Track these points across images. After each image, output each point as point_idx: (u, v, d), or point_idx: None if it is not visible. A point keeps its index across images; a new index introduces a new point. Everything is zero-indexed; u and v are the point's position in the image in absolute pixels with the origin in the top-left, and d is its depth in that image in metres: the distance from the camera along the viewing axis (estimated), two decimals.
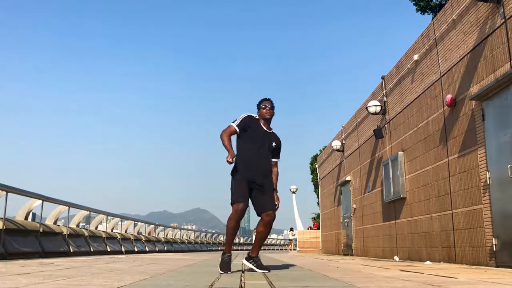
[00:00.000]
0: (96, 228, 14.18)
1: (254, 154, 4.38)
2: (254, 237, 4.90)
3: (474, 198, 6.29)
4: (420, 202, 8.23)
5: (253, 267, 4.38)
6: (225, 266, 4.20)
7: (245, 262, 4.48)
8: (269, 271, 4.32)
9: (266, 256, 11.57)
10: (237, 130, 4.37)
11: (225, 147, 4.24)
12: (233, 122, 4.41)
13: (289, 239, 30.75)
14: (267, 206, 4.38)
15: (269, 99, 4.58)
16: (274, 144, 4.53)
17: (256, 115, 4.54)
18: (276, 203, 4.46)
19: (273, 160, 4.58)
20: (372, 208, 11.22)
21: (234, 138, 4.44)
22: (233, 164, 4.27)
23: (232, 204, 4.24)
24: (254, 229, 4.79)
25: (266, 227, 4.39)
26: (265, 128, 4.52)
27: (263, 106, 4.51)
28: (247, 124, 4.41)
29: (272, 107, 4.54)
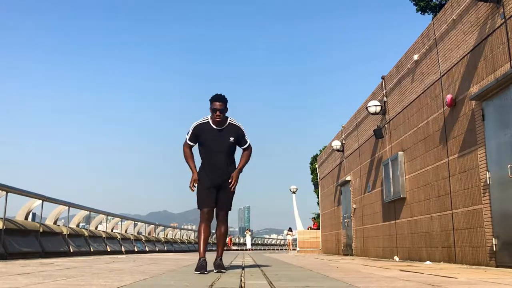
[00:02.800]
0: (96, 228, 14.17)
1: (210, 160, 4.50)
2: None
3: (474, 198, 6.29)
4: (420, 202, 8.23)
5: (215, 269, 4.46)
6: (200, 268, 4.20)
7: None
8: (222, 271, 4.32)
9: (266, 256, 11.57)
10: (191, 143, 4.57)
11: (189, 167, 4.55)
12: (187, 134, 4.56)
13: (288, 240, 30.66)
14: (222, 204, 4.53)
15: (219, 99, 4.43)
16: (231, 138, 4.50)
17: (205, 118, 4.54)
18: (231, 185, 4.50)
19: (243, 148, 4.65)
20: (372, 208, 11.22)
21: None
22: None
23: (199, 208, 4.48)
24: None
25: (219, 225, 4.59)
26: (216, 127, 4.48)
27: (213, 110, 4.41)
28: (198, 132, 4.51)
29: (222, 110, 4.41)
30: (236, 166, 4.63)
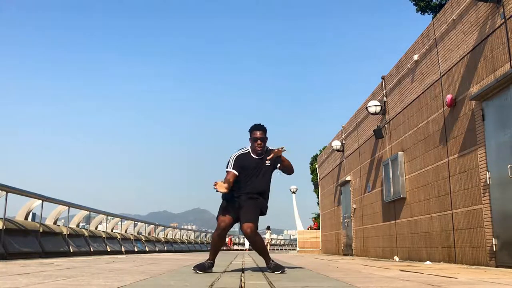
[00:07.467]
0: (96, 228, 14.17)
1: (246, 186, 4.37)
2: None
3: (474, 198, 6.29)
4: (420, 202, 8.23)
5: (271, 272, 4.33)
6: (199, 267, 4.23)
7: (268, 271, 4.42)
8: (284, 271, 4.28)
9: None
10: (236, 173, 4.34)
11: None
12: (227, 168, 4.37)
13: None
14: (243, 218, 4.31)
15: (260, 128, 4.41)
16: (268, 163, 4.44)
17: (245, 149, 4.49)
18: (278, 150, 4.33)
19: (280, 163, 4.47)
20: (372, 208, 11.22)
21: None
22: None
23: (217, 219, 4.34)
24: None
25: (249, 240, 4.41)
26: (256, 157, 4.43)
27: (254, 139, 4.39)
28: (241, 163, 4.38)
29: (264, 139, 4.40)
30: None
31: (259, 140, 4.37)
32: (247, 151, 4.47)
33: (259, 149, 4.39)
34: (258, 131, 4.39)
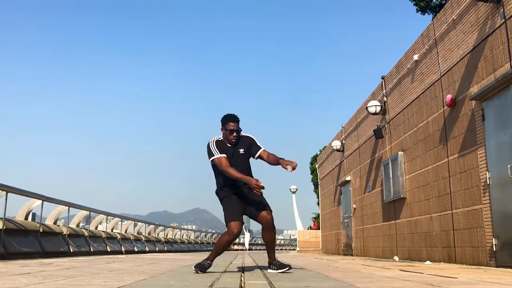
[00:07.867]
0: (96, 228, 14.17)
1: (230, 179, 4.26)
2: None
3: (474, 198, 6.29)
4: (420, 202, 8.23)
5: (273, 271, 4.31)
6: (200, 267, 4.20)
7: (269, 270, 4.38)
8: (290, 268, 4.31)
9: (266, 256, 11.56)
10: (226, 155, 4.25)
11: (241, 179, 4.16)
12: (214, 156, 4.24)
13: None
14: (260, 207, 4.29)
15: (235, 120, 4.32)
16: (241, 150, 4.35)
17: (218, 137, 4.39)
18: (290, 165, 4.17)
19: (259, 152, 4.38)
20: (372, 208, 11.22)
21: (208, 162, 4.34)
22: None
23: (227, 224, 4.23)
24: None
25: (268, 230, 4.36)
26: (230, 146, 4.35)
27: (230, 131, 4.28)
28: (221, 148, 4.29)
29: (239, 131, 4.32)
30: (271, 157, 4.40)
31: (235, 132, 4.28)
32: (221, 140, 4.37)
33: (234, 140, 4.30)
34: (232, 123, 4.30)
